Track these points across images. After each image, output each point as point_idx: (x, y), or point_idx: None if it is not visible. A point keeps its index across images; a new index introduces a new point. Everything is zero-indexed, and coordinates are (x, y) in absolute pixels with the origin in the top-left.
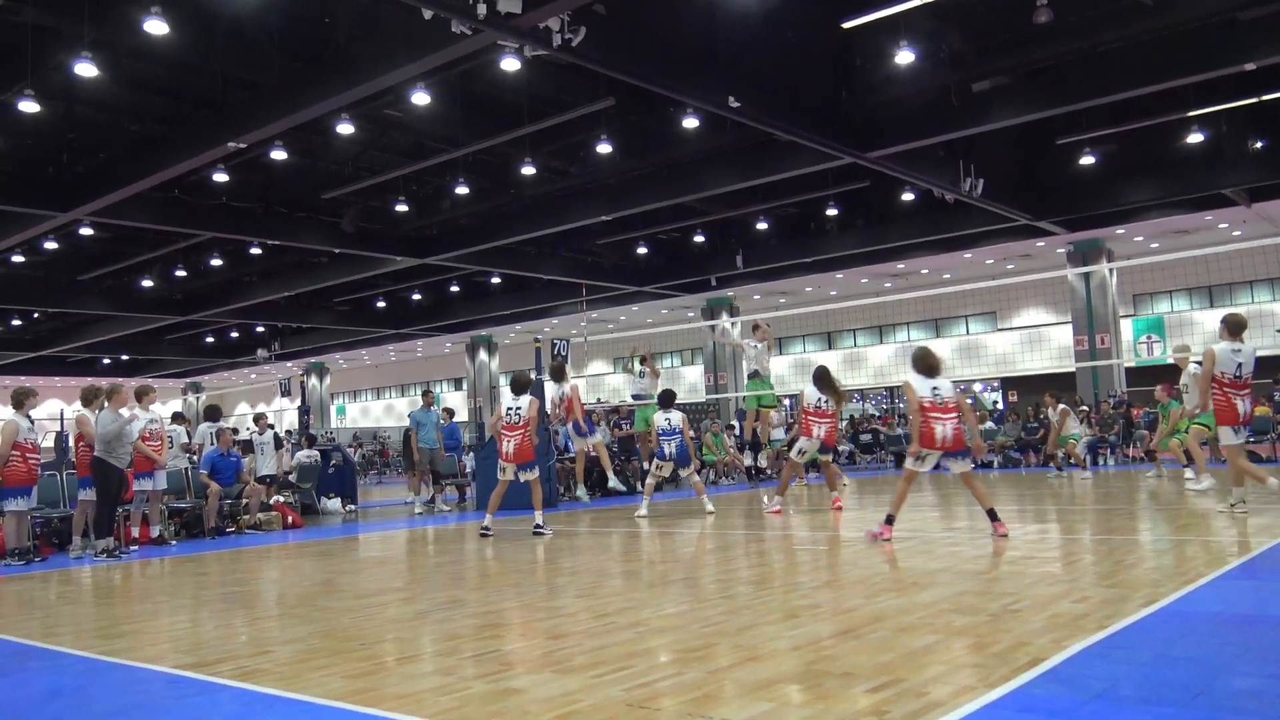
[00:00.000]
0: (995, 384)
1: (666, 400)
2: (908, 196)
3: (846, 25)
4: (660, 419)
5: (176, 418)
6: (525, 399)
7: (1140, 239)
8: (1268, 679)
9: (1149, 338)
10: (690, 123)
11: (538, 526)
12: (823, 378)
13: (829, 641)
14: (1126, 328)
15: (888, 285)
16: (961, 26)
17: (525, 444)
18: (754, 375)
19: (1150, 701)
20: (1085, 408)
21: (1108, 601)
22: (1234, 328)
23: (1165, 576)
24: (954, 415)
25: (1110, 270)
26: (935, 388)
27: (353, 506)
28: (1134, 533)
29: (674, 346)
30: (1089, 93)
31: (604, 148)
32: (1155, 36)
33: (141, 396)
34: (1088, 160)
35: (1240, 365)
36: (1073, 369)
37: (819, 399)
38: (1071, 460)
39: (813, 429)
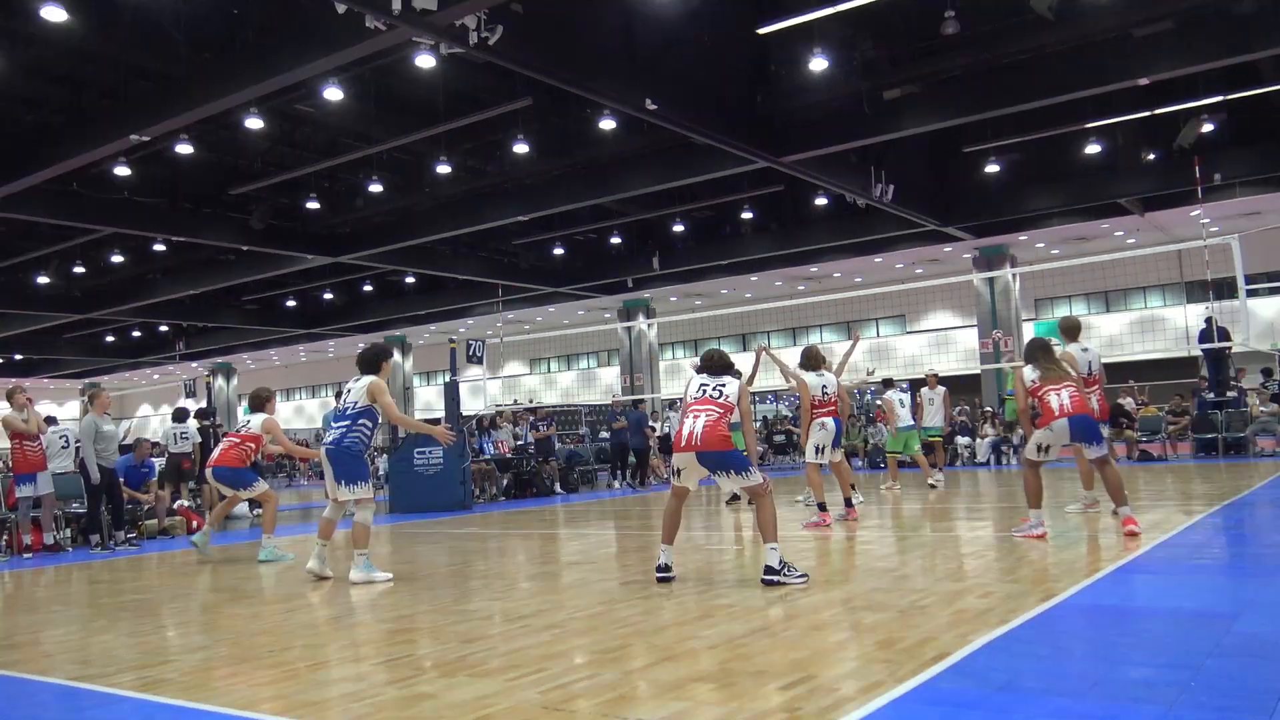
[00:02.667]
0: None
1: (368, 363)
2: (821, 201)
3: (763, 31)
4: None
5: (50, 422)
6: (734, 381)
7: (1042, 245)
8: (1160, 668)
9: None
10: (608, 124)
11: (772, 570)
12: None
13: (743, 640)
14: (1029, 331)
15: (801, 288)
16: (874, 35)
17: (720, 426)
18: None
19: (1050, 693)
20: (989, 409)
21: (1010, 596)
22: (1073, 331)
23: (1064, 572)
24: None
25: (1013, 275)
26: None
27: (259, 510)
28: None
29: (591, 348)
30: (994, 103)
31: (521, 147)
32: (1056, 50)
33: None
34: (993, 168)
35: (1090, 364)
36: (978, 370)
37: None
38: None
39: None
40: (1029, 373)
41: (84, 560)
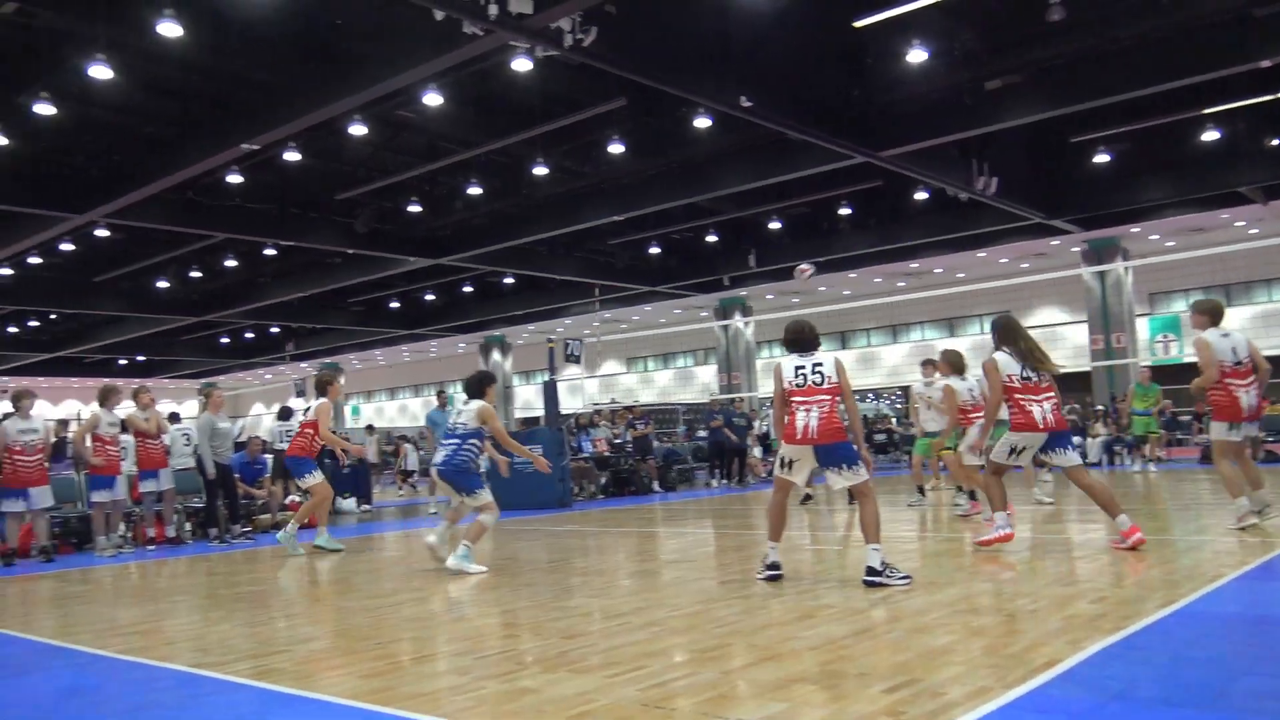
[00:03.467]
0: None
1: (470, 389)
2: (921, 195)
3: (858, 24)
4: (452, 414)
5: (173, 418)
6: (827, 355)
7: (1156, 237)
8: None
9: (1165, 336)
10: (702, 122)
11: (874, 572)
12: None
13: (845, 641)
14: (1143, 326)
15: (901, 284)
16: (974, 24)
17: (833, 417)
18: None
19: (1169, 703)
20: (1101, 407)
21: (1125, 602)
22: (1215, 313)
23: (1184, 577)
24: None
25: (1126, 269)
26: (800, 366)
27: (368, 506)
28: (1152, 533)
29: (687, 346)
30: (1102, 90)
31: (616, 147)
32: (1169, 34)
33: (18, 402)
34: (1102, 158)
35: (1235, 350)
36: (1088, 368)
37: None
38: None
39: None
40: (1008, 363)
41: (202, 553)
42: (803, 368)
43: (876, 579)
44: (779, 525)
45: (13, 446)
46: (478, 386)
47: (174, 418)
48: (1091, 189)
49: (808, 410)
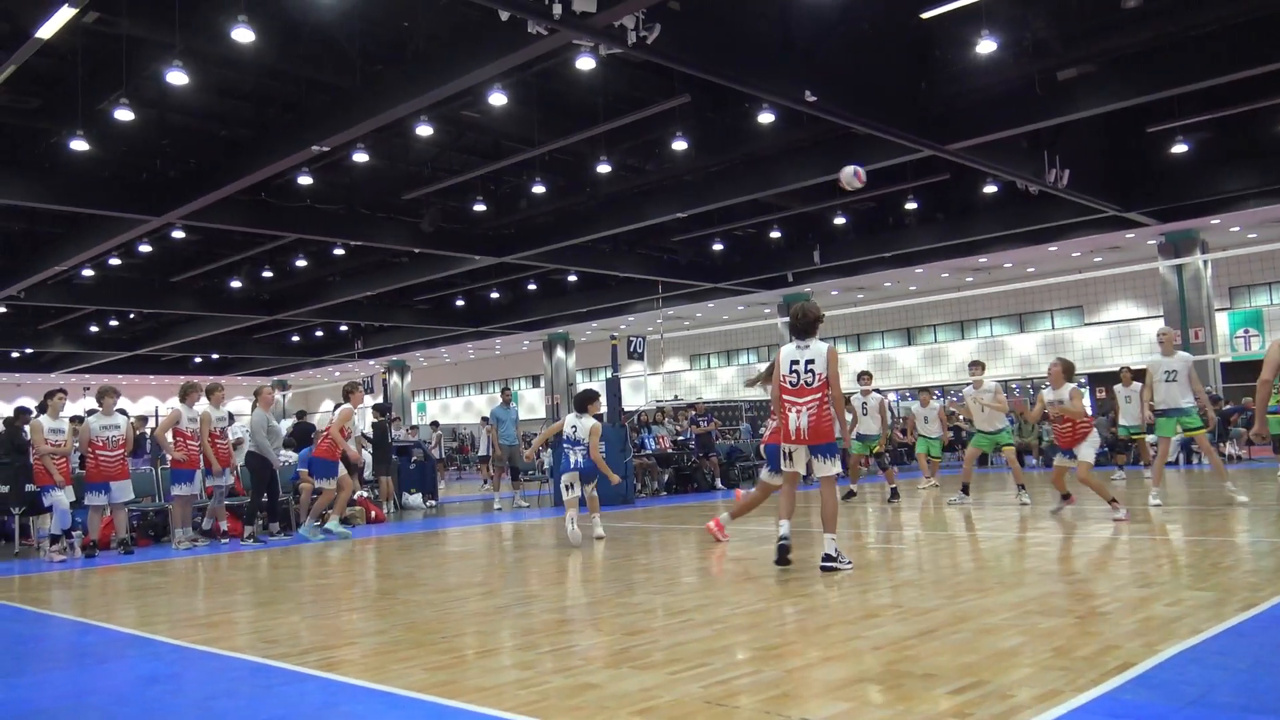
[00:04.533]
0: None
1: (581, 404)
2: (990, 189)
3: (925, 15)
4: (567, 425)
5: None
6: (818, 345)
7: (1237, 229)
8: None
9: (1246, 331)
10: (766, 118)
11: (829, 558)
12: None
13: (910, 641)
14: (1222, 321)
15: (969, 279)
16: (1045, 13)
17: (825, 416)
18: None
19: (1249, 709)
20: None
21: (1202, 605)
22: None
23: (1265, 580)
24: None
25: (1205, 262)
26: (795, 361)
27: (433, 502)
28: (1231, 534)
29: (751, 343)
30: (1180, 79)
31: (679, 144)
32: (1247, 19)
33: (102, 399)
34: (1180, 148)
35: None
36: None
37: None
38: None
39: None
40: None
41: (278, 546)
42: (797, 363)
43: (832, 564)
44: (789, 507)
45: (96, 442)
46: (582, 404)
47: (231, 418)
48: (1168, 180)
49: (798, 411)
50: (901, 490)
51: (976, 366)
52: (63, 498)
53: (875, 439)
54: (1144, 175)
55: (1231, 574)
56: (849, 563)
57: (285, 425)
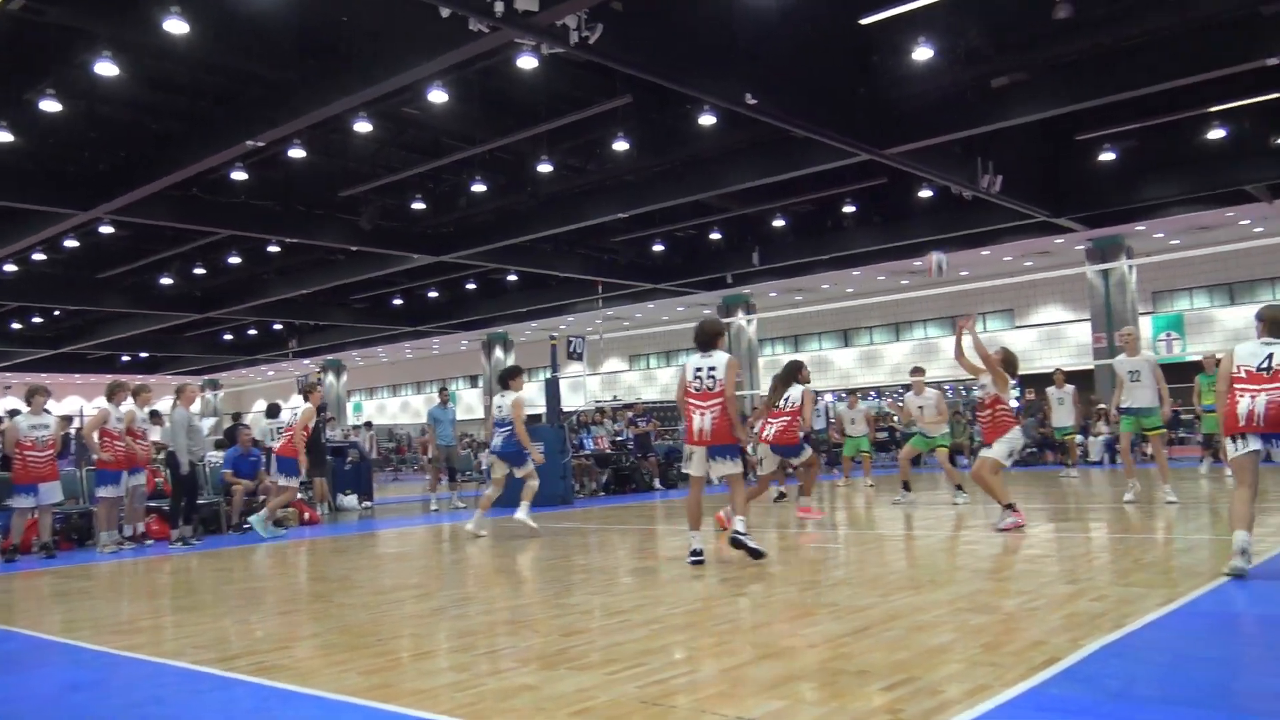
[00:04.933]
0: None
1: (503, 379)
2: (925, 193)
3: (864, 21)
4: (495, 405)
5: (154, 416)
6: (720, 356)
7: (1160, 235)
8: None
9: (1168, 335)
10: (707, 120)
11: (739, 534)
12: None
13: (844, 639)
14: (1146, 325)
15: (905, 282)
16: (980, 22)
17: (725, 420)
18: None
19: (1169, 701)
20: (1103, 406)
21: (1125, 600)
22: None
23: (1184, 575)
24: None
25: (1130, 267)
26: (699, 369)
27: (369, 503)
28: (1152, 531)
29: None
30: (1109, 88)
31: (621, 145)
32: (1176, 31)
33: (32, 398)
34: (1108, 156)
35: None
36: (1091, 366)
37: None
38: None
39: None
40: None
41: (209, 549)
42: (700, 370)
43: (741, 538)
44: (697, 516)
45: (24, 442)
46: (502, 379)
47: (154, 415)
48: (1096, 187)
49: (701, 414)
50: (824, 492)
51: (918, 371)
52: None
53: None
54: (1073, 182)
55: (1153, 570)
56: (757, 545)
57: (209, 424)
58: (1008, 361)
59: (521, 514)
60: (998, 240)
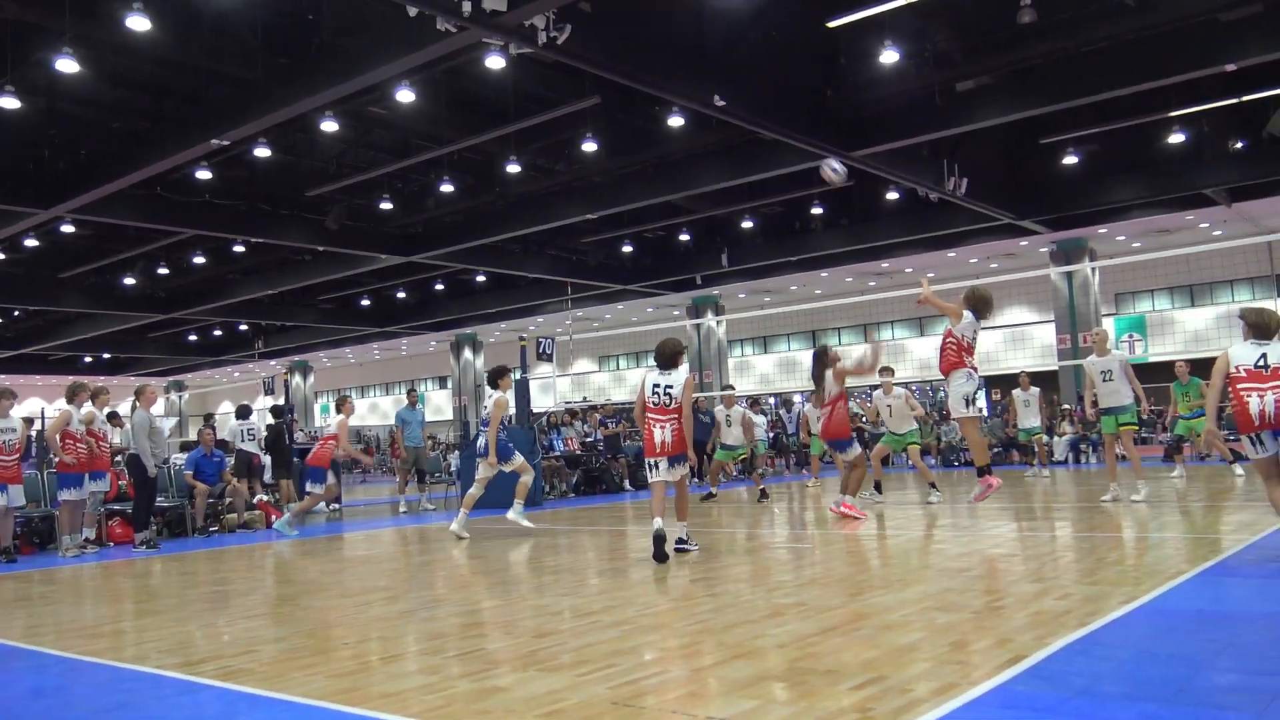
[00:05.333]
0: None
1: (491, 379)
2: (892, 195)
3: (832, 24)
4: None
5: (112, 418)
6: (678, 374)
7: (1122, 238)
8: (1250, 675)
9: (1130, 336)
10: (676, 121)
11: (681, 541)
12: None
13: (814, 639)
14: (1109, 326)
15: (872, 284)
16: (946, 26)
17: (681, 432)
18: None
19: (1132, 698)
20: (1067, 406)
21: (1089, 599)
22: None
23: (1146, 574)
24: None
25: (1092, 269)
26: (657, 385)
27: (336, 505)
28: (1115, 530)
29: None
30: (1072, 92)
31: (590, 146)
32: (1138, 37)
33: (74, 395)
34: (1071, 160)
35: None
36: (1055, 367)
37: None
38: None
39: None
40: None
41: (174, 552)
42: (658, 386)
43: (685, 546)
44: (661, 508)
45: None
46: (491, 379)
47: (113, 417)
48: (1060, 190)
49: (662, 427)
50: (793, 492)
51: (887, 371)
52: None
53: (740, 449)
54: (1037, 185)
55: (1116, 568)
56: (696, 545)
57: (169, 425)
58: (980, 299)
59: (514, 514)
60: (964, 242)
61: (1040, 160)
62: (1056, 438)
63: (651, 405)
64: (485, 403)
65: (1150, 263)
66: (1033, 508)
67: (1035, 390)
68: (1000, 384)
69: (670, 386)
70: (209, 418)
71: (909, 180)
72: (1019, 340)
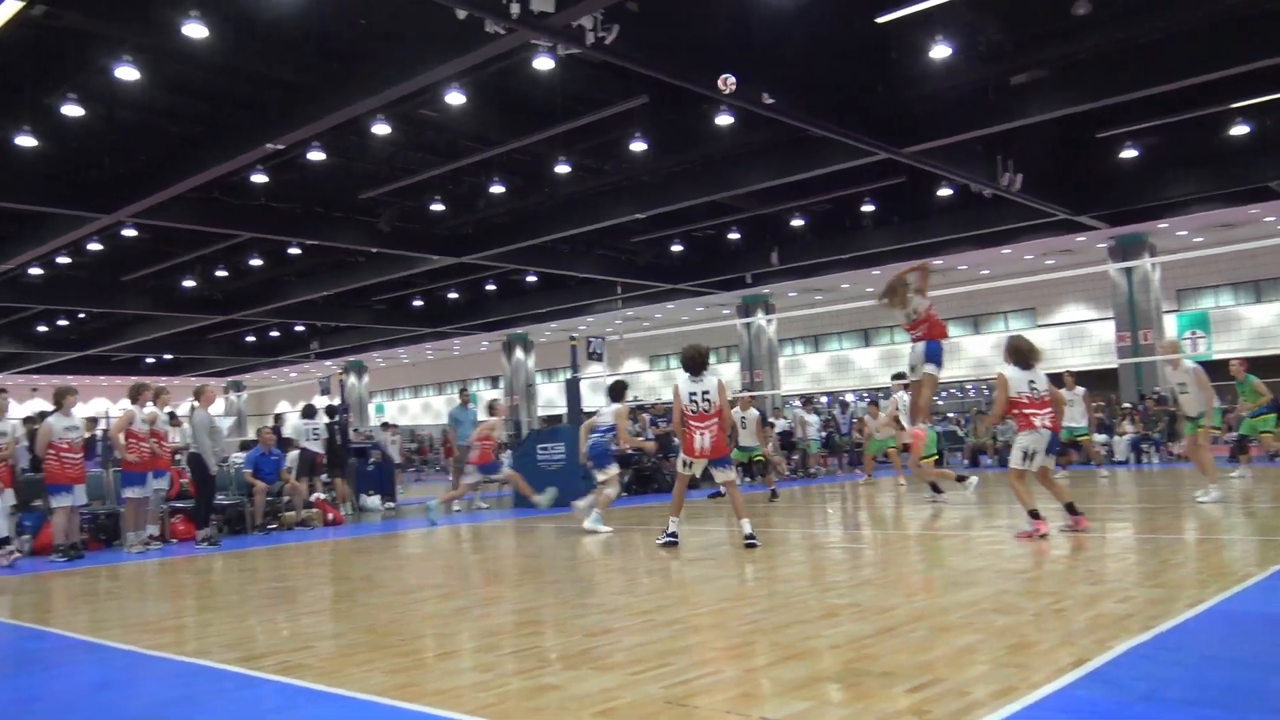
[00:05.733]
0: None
1: (614, 394)
2: (945, 192)
3: (881, 20)
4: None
5: (170, 418)
6: (712, 380)
7: (1184, 233)
8: None
9: (1193, 333)
10: (724, 120)
11: (749, 537)
12: (1026, 354)
13: (868, 640)
14: (1170, 323)
15: None
16: (999, 19)
17: (721, 436)
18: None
19: (1198, 703)
20: (1128, 405)
21: (1153, 602)
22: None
23: (1212, 576)
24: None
25: (1153, 265)
26: (1033, 381)
27: (391, 504)
28: (1180, 532)
29: (709, 344)
30: (1130, 85)
31: (638, 145)
32: (1196, 27)
33: (62, 399)
34: (1129, 153)
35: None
36: (1115, 365)
37: (1028, 384)
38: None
39: (1034, 421)
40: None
41: (234, 549)
42: (694, 394)
43: (753, 541)
44: (680, 506)
45: (58, 443)
46: (616, 392)
47: (171, 417)
48: (1118, 185)
49: (702, 433)
50: (847, 491)
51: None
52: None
53: (755, 449)
54: (1094, 180)
55: (1181, 571)
56: (759, 541)
57: (227, 424)
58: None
59: (587, 515)
60: (1018, 239)
61: (1097, 154)
62: (1117, 437)
63: (690, 413)
64: (603, 410)
65: (1213, 258)
66: (1092, 508)
67: (1080, 390)
68: (1056, 383)
69: (706, 393)
70: (278, 419)
71: (961, 176)
72: (1076, 338)
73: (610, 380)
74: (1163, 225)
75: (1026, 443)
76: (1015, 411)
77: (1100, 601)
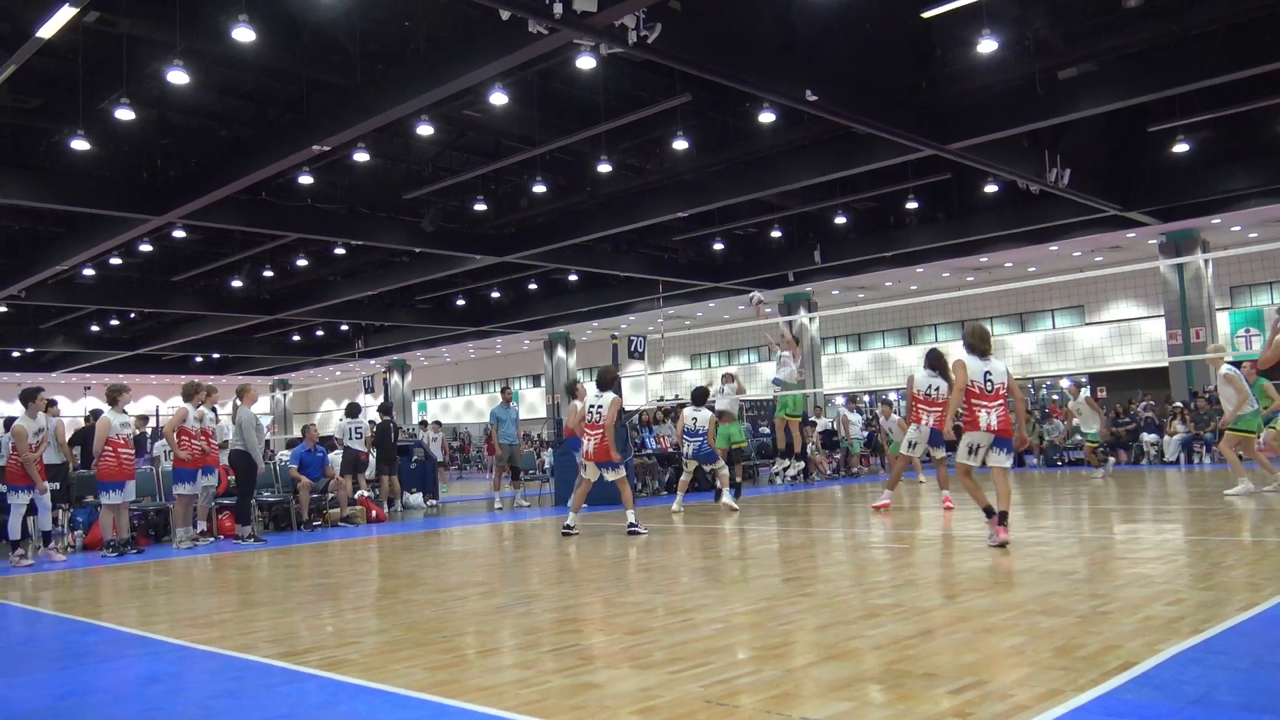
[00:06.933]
0: (1084, 379)
1: (697, 398)
2: (991, 188)
3: (926, 15)
4: (688, 417)
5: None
6: (607, 396)
7: (1238, 229)
8: None
9: (1248, 331)
10: (767, 117)
11: (631, 525)
12: (935, 360)
13: (911, 641)
14: (1223, 321)
15: (970, 279)
16: (1046, 13)
17: (604, 443)
18: (778, 383)
19: (1250, 708)
20: (1179, 404)
21: (1204, 604)
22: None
23: (1265, 579)
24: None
25: (1206, 261)
26: (987, 371)
27: (434, 501)
28: (1232, 534)
29: (752, 343)
30: (1181, 78)
31: (680, 144)
32: (1249, 18)
33: (116, 396)
34: (1181, 148)
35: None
36: (1165, 364)
37: (930, 385)
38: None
39: (922, 417)
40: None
41: (279, 546)
42: (593, 407)
43: (636, 528)
44: (580, 503)
45: (115, 439)
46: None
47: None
48: (1169, 179)
49: (589, 439)
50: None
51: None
52: (45, 499)
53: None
54: (1145, 175)
55: (1232, 573)
56: (645, 529)
57: (266, 421)
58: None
59: (725, 498)
60: (1067, 235)
61: (1148, 149)
62: (1167, 437)
63: (586, 422)
64: (694, 415)
65: (1268, 254)
66: (1140, 509)
67: (1084, 396)
68: (1105, 381)
69: (600, 406)
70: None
71: (1008, 172)
72: (1125, 335)
73: (687, 383)
74: (1215, 221)
75: (973, 439)
76: (966, 402)
77: (1149, 604)
